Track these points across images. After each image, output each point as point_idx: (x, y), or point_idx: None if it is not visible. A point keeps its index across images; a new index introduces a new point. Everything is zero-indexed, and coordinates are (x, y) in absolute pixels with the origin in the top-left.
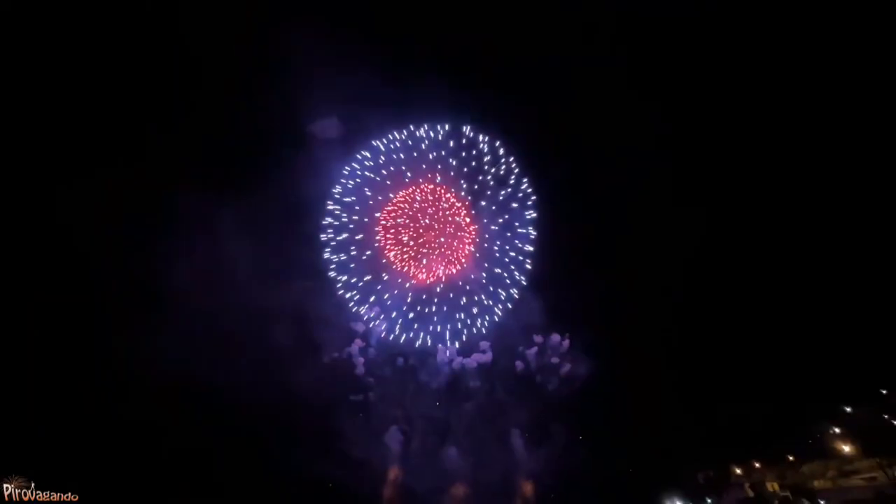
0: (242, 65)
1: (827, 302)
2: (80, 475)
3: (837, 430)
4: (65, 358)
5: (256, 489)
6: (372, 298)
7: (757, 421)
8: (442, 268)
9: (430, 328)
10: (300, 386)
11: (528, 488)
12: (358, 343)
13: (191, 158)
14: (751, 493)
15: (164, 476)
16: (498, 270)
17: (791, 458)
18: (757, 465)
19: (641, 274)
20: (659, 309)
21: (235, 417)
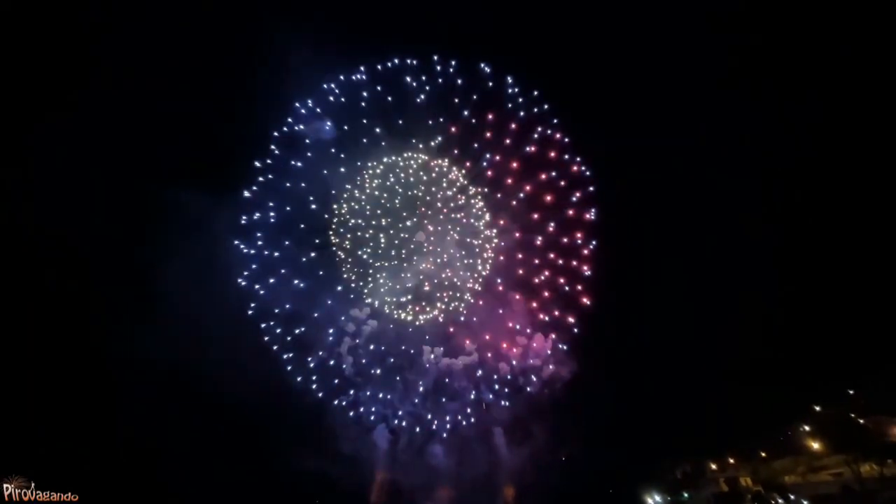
0: None
1: (800, 309)
2: (80, 475)
3: (807, 428)
4: (64, 357)
5: (251, 486)
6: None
7: (732, 419)
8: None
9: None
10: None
11: (509, 491)
12: None
13: None
14: (725, 488)
15: (161, 475)
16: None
17: (764, 454)
18: (731, 461)
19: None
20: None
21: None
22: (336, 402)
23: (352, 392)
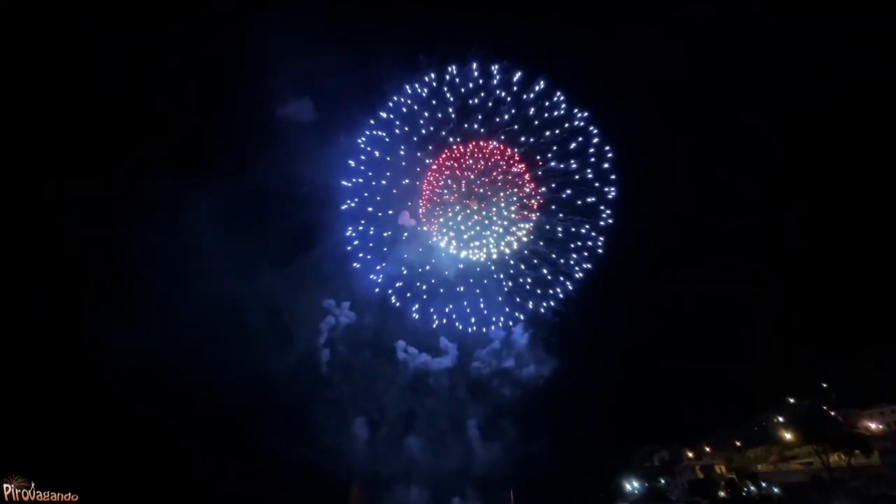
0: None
1: (777, 308)
2: (80, 475)
3: (780, 419)
4: (64, 358)
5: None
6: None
7: (709, 409)
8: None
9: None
10: None
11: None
12: None
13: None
14: (700, 475)
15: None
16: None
17: (738, 443)
18: (707, 449)
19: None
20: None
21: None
22: None
23: None
